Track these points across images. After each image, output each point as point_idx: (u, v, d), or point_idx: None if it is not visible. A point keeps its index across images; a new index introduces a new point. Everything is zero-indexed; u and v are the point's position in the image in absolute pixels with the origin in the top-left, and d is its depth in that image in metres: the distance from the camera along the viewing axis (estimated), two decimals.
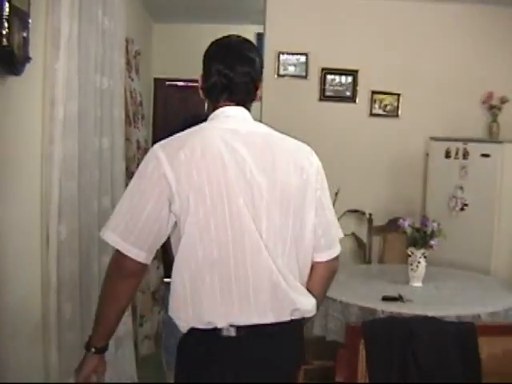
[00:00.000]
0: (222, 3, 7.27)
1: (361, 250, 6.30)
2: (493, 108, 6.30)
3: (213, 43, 2.39)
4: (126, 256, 2.04)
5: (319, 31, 6.47)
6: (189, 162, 2.05)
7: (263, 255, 2.09)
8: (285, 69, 6.48)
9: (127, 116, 5.15)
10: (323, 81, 6.51)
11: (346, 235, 5.99)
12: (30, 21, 2.98)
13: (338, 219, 5.71)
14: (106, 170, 4.37)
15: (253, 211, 2.09)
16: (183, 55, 8.23)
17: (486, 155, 5.71)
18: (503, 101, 6.27)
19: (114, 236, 2.05)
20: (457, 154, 5.87)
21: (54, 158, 3.40)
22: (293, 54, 6.48)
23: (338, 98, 6.54)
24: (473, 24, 6.34)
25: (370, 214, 5.72)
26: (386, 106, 6.48)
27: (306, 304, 2.22)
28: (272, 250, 2.11)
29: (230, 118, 2.27)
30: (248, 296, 2.08)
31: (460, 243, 5.49)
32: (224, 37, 2.41)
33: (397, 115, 6.52)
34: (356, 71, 6.51)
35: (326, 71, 6.51)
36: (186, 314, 2.10)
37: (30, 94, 3.27)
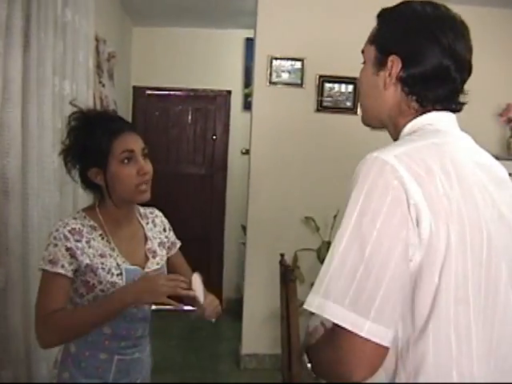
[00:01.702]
0: (209, 6, 6.66)
1: None
2: (511, 122, 5.68)
3: (428, 12, 1.66)
4: (367, 340, 1.37)
5: (316, 35, 5.81)
6: (447, 192, 1.46)
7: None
8: (278, 76, 5.81)
9: None
10: (320, 89, 5.85)
11: None
12: None
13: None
14: (68, 191, 3.71)
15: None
16: (165, 62, 7.69)
17: None
18: None
19: (340, 310, 1.38)
20: None
21: None
22: (287, 59, 5.81)
23: (337, 108, 5.88)
24: (486, 28, 5.72)
25: None
26: None
27: None
28: None
29: (453, 132, 1.68)
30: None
31: None
32: (437, 4, 1.68)
33: None
34: (357, 79, 5.81)
35: (324, 79, 5.85)
36: None
37: None
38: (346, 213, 1.47)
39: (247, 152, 6.15)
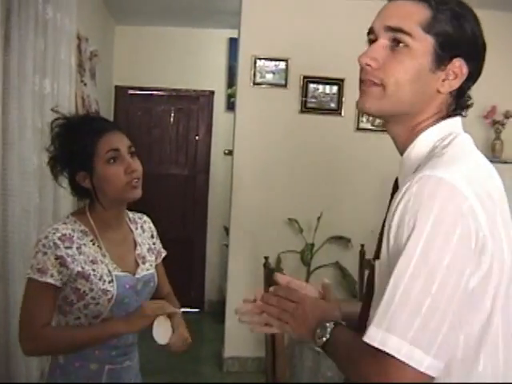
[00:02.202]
0: (193, 5, 6.60)
1: (346, 283, 5.62)
2: (496, 124, 5.67)
3: (478, 21, 1.57)
4: (422, 374, 1.30)
5: (301, 35, 5.77)
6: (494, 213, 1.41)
7: None
8: (262, 76, 5.77)
9: None
10: (305, 90, 5.81)
11: (328, 265, 5.41)
12: None
13: (321, 246, 4.75)
14: (48, 192, 3.66)
15: None
16: (148, 62, 7.61)
17: None
18: (507, 116, 5.64)
19: (404, 345, 1.30)
20: None
21: None
22: (271, 59, 5.77)
23: (322, 109, 5.85)
24: None
25: (363, 246, 5.06)
26: (375, 119, 5.80)
27: None
28: None
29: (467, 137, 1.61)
30: None
31: None
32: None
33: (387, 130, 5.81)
34: (342, 80, 5.82)
35: (308, 80, 5.81)
36: None
37: None
38: (409, 239, 1.34)
39: (230, 153, 6.11)
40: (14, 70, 3.07)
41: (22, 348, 2.28)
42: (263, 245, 5.46)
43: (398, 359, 1.29)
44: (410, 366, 1.29)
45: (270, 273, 3.60)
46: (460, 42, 1.51)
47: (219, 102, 7.83)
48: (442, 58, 1.51)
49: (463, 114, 1.61)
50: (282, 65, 5.77)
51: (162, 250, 2.73)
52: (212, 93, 7.82)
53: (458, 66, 1.51)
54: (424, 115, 1.56)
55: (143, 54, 7.62)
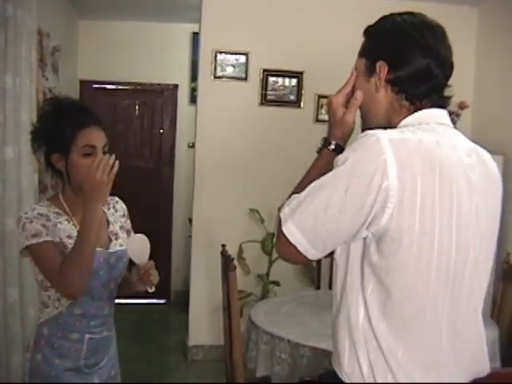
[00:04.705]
0: (156, 0, 6.63)
1: (307, 271, 5.74)
2: (451, 114, 5.76)
3: (406, 20, 1.90)
4: (302, 254, 1.76)
5: (260, 29, 5.89)
6: (424, 185, 1.68)
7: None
8: (222, 70, 5.87)
9: None
10: (264, 83, 5.92)
11: None
12: None
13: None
14: (11, 185, 3.73)
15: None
16: (112, 56, 7.65)
17: None
18: (462, 107, 5.78)
19: (296, 232, 1.73)
20: None
21: None
22: (231, 53, 5.87)
23: (281, 102, 5.97)
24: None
25: None
26: None
27: None
28: None
29: (444, 127, 1.85)
30: None
31: None
32: (414, 13, 1.93)
33: None
34: (301, 73, 5.94)
35: (268, 73, 5.92)
36: None
37: None
38: (334, 165, 1.72)
39: (194, 145, 6.20)
40: None
41: (67, 291, 2.42)
42: (225, 235, 5.54)
43: (287, 237, 1.73)
44: (297, 249, 1.73)
45: (226, 260, 3.71)
46: (378, 49, 1.90)
47: (183, 96, 7.92)
48: (369, 67, 1.91)
49: (442, 103, 1.90)
50: (242, 58, 5.88)
51: (131, 229, 2.90)
52: (176, 86, 7.90)
53: (379, 66, 1.87)
54: (390, 115, 1.90)
55: (107, 49, 7.66)
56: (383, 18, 1.95)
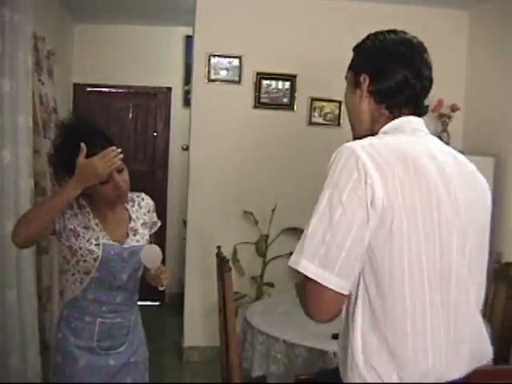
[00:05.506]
0: (150, 4, 6.66)
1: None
2: (443, 117, 5.87)
3: (386, 38, 2.07)
4: (326, 288, 1.74)
5: (254, 32, 5.95)
6: (402, 181, 1.78)
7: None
8: (216, 73, 5.91)
9: (36, 124, 4.52)
10: (258, 86, 5.97)
11: (283, 256, 5.54)
12: None
13: (275, 238, 5.04)
14: (9, 188, 3.76)
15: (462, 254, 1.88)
16: (106, 59, 7.69)
17: None
18: (454, 109, 5.85)
19: (310, 265, 1.73)
20: None
21: None
22: (225, 56, 5.92)
23: (275, 105, 6.02)
24: (418, 27, 5.88)
25: None
26: (326, 114, 5.98)
27: None
28: None
29: (419, 133, 1.99)
30: None
31: None
32: (397, 31, 2.09)
33: (338, 124, 6.01)
34: (294, 76, 5.99)
35: (261, 76, 5.98)
36: None
37: None
38: (323, 189, 1.78)
39: (188, 148, 6.23)
40: None
41: (14, 241, 2.64)
42: (220, 237, 5.57)
43: (311, 278, 1.71)
44: (320, 284, 1.71)
45: (222, 261, 3.74)
46: (362, 63, 2.06)
47: (177, 99, 7.96)
48: (355, 80, 2.06)
49: (420, 112, 2.02)
50: (236, 62, 5.92)
51: (158, 220, 3.14)
52: (169, 89, 7.94)
53: (362, 78, 2.03)
54: (373, 124, 2.04)
55: (101, 52, 7.70)
56: (368, 36, 2.10)
